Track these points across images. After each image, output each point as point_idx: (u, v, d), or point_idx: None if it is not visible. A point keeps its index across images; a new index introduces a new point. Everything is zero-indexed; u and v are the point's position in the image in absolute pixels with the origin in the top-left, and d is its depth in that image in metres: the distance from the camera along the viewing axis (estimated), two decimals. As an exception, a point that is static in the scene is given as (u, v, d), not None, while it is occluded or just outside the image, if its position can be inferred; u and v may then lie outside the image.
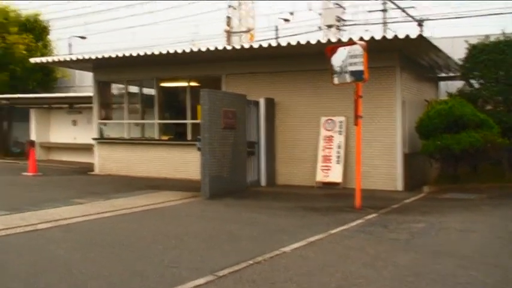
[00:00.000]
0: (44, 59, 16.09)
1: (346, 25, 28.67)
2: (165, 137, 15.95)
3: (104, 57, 14.46)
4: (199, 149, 11.56)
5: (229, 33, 26.35)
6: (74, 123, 21.31)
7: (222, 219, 8.76)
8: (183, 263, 5.77)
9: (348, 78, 9.77)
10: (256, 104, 13.55)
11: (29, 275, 5.27)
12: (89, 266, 5.62)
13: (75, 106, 21.25)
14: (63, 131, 21.55)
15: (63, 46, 25.18)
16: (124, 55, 14.12)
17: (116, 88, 18.03)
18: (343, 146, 13.00)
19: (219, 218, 8.90)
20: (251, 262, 5.82)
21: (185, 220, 8.75)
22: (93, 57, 14.61)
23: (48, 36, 24.23)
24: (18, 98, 21.28)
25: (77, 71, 21.55)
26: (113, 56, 14.27)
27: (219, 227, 8.01)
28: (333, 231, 7.57)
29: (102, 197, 10.98)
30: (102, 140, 16.71)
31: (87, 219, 8.39)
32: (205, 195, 11.02)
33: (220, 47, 13.09)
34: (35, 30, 23.16)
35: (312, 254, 6.34)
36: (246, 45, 13.04)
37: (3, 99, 21.90)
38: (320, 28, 27.91)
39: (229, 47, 13.18)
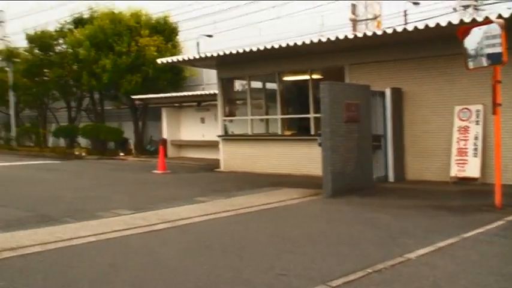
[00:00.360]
0: (169, 59, 16.55)
1: (485, 4, 26.34)
2: (288, 132, 15.66)
3: (225, 54, 14.47)
4: (320, 145, 11.06)
5: (354, 22, 25.39)
6: (202, 120, 21.83)
7: (342, 220, 8.21)
8: (295, 270, 5.34)
9: (484, 61, 8.71)
10: (382, 94, 12.74)
11: (135, 278, 5.16)
12: (197, 271, 5.39)
13: (203, 104, 21.79)
14: (192, 129, 22.18)
15: (191, 46, 25.84)
16: (244, 51, 14.01)
17: (239, 84, 18.12)
18: (480, 137, 11.77)
19: (339, 219, 8.36)
20: (369, 270, 5.24)
21: (303, 220, 8.31)
22: (215, 54, 14.68)
23: (177, 37, 25.02)
24: (151, 98, 22.26)
25: (204, 69, 22.02)
26: (234, 52, 14.23)
27: (338, 229, 7.48)
28: (467, 235, 6.69)
29: (223, 195, 10.91)
30: (226, 136, 16.84)
31: (205, 220, 8.27)
32: (327, 193, 10.51)
33: (341, 36, 12.45)
34: (165, 31, 24.01)
35: (440, 262, 5.59)
36: (369, 33, 12.26)
37: (137, 100, 23.07)
38: (455, 10, 25.90)
39: (350, 36, 12.49)
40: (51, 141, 29.19)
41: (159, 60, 17.01)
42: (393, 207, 9.12)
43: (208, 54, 14.93)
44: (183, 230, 7.53)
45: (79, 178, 15.31)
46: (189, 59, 15.86)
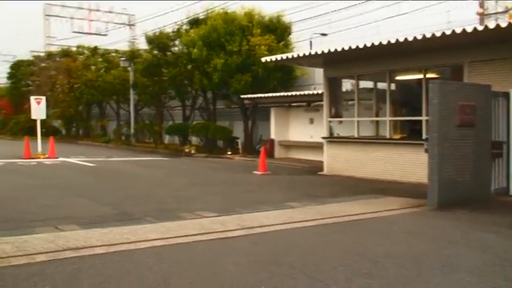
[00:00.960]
0: (273, 57, 16.00)
1: None
2: (396, 136, 14.46)
3: (330, 52, 13.62)
4: (426, 151, 9.90)
5: (482, 16, 23.25)
6: (311, 121, 21.08)
7: (443, 239, 7.06)
8: (366, 300, 4.48)
9: None
10: (506, 95, 11.21)
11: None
12: (252, 291, 4.73)
13: (313, 104, 21.02)
14: (300, 129, 21.52)
15: (304, 45, 25.20)
16: (350, 48, 13.08)
17: (348, 84, 17.15)
18: None
19: (439, 237, 7.21)
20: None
21: (395, 236, 7.29)
22: (320, 52, 13.91)
23: (290, 36, 24.47)
24: (259, 97, 21.92)
25: (316, 69, 21.24)
26: (339, 49, 13.33)
27: (434, 250, 6.39)
28: None
29: (316, 201, 10.13)
30: (331, 138, 15.98)
31: (285, 228, 7.56)
32: (432, 205, 9.34)
33: (458, 30, 11.12)
34: (277, 30, 23.56)
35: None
36: (491, 26, 10.82)
37: (246, 99, 22.86)
38: None
39: (469, 29, 11.11)
40: (167, 138, 30.01)
41: (263, 59, 16.56)
42: (509, 226, 7.79)
43: (313, 52, 14.20)
44: (257, 240, 6.86)
45: (179, 176, 15.27)
46: (293, 57, 15.18)
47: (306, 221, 8.10)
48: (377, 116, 15.36)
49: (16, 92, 41.11)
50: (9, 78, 43.68)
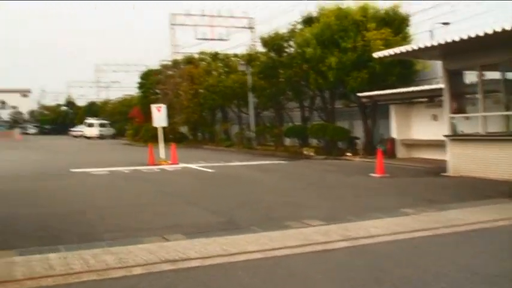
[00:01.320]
0: (386, 52, 15.17)
1: None
2: (529, 131, 13.05)
3: (447, 42, 12.61)
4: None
5: None
6: (434, 117, 19.81)
7: None
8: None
9: None
10: None
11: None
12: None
13: (436, 99, 19.73)
14: (423, 127, 20.32)
15: (424, 36, 23.83)
16: (469, 37, 11.99)
17: (472, 76, 15.82)
18: None
19: None
20: None
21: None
22: (436, 43, 12.92)
23: (408, 28, 23.24)
24: (378, 94, 21.03)
25: (438, 62, 19.93)
26: (457, 39, 12.28)
27: None
28: None
29: (435, 207, 9.34)
30: (454, 136, 14.79)
31: (393, 240, 6.96)
32: None
33: None
34: (394, 23, 22.47)
35: None
36: None
37: (364, 98, 22.05)
38: None
39: None
40: (288, 140, 29.94)
41: (375, 54, 15.77)
42: None
43: (428, 44, 13.23)
44: (359, 252, 6.35)
45: (293, 180, 15.02)
46: (408, 51, 14.25)
47: (419, 230, 7.44)
48: (507, 109, 13.97)
49: (145, 100, 43.29)
50: (139, 88, 46.33)
